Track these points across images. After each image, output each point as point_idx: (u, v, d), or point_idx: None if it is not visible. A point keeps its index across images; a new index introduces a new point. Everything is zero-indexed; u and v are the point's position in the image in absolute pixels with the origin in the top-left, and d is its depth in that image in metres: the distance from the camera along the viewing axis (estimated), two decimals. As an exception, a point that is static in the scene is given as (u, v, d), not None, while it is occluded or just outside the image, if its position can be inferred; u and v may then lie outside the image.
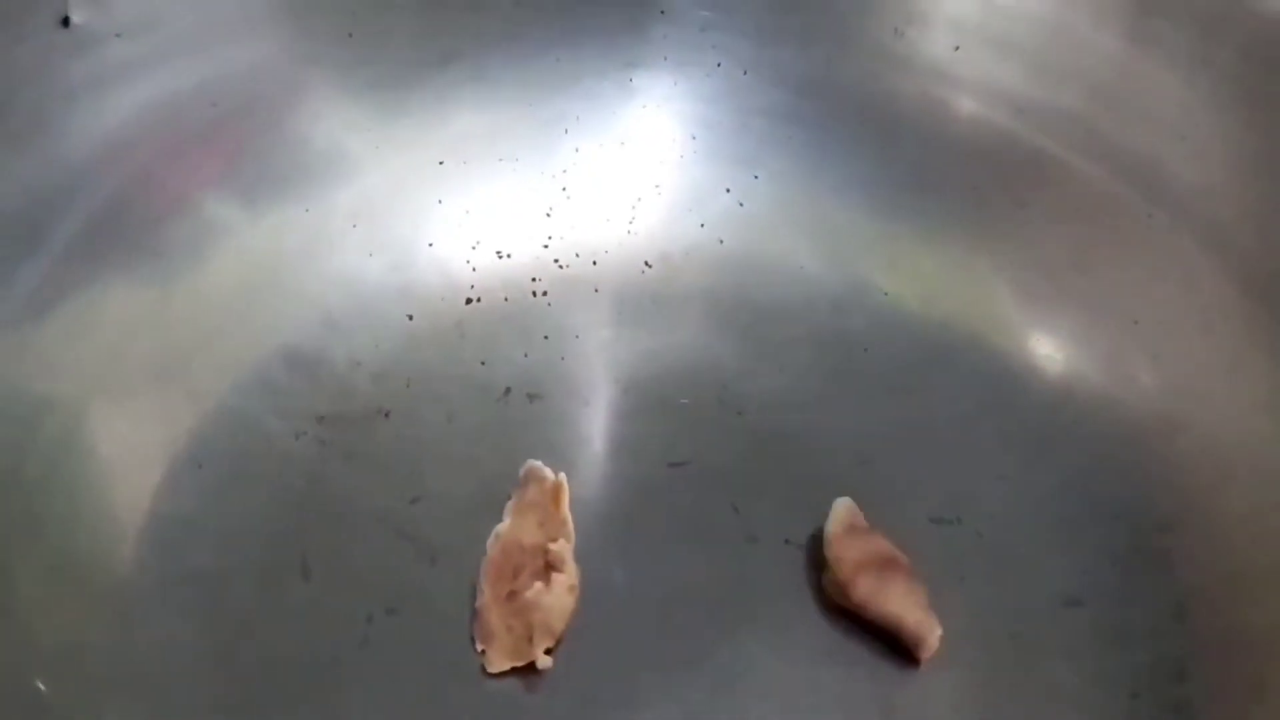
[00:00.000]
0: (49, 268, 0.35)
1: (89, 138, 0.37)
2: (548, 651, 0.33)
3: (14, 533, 0.33)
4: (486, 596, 0.34)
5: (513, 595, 0.34)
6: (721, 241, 0.44)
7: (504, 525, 0.36)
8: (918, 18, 0.42)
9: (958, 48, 0.42)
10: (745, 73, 0.44)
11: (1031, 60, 0.41)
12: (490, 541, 0.36)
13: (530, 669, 0.33)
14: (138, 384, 0.37)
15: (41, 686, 0.31)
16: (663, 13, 0.44)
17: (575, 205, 0.44)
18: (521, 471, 0.37)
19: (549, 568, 0.34)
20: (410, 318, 0.41)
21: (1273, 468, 0.36)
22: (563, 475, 0.37)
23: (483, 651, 0.34)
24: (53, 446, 0.34)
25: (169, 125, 0.38)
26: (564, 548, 0.35)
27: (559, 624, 0.34)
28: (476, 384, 0.40)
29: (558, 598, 0.34)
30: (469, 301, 0.42)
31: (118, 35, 0.37)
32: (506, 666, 0.34)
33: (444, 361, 0.40)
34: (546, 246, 0.43)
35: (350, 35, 0.41)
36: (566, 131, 0.44)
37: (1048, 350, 0.41)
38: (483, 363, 0.41)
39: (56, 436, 0.34)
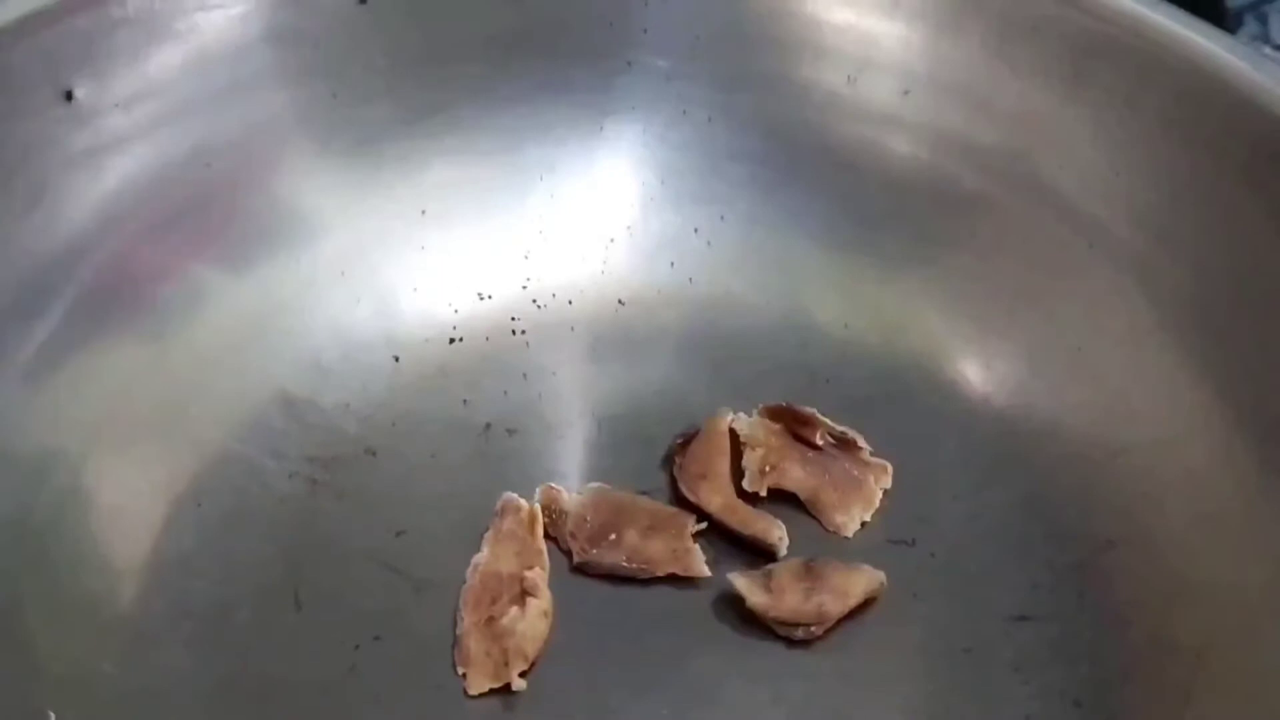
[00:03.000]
0: (53, 328, 0.38)
1: (88, 204, 0.39)
2: (523, 674, 0.35)
3: (24, 574, 0.35)
4: (467, 623, 0.37)
5: (491, 621, 0.36)
6: (691, 280, 0.46)
7: (482, 555, 0.38)
8: (870, 65, 0.45)
9: (907, 92, 0.44)
10: (710, 119, 0.46)
11: (976, 104, 0.43)
12: (470, 571, 0.38)
13: (507, 690, 0.36)
14: (139, 433, 0.39)
15: (53, 716, 0.33)
16: (629, 64, 0.46)
17: (551, 248, 0.46)
18: (498, 504, 0.39)
19: (525, 594, 0.37)
20: (396, 359, 0.43)
21: (1204, 488, 0.38)
22: (537, 505, 0.39)
23: (464, 675, 0.36)
24: (59, 494, 0.37)
25: (165, 188, 0.41)
26: (538, 575, 0.37)
27: (532, 648, 0.36)
28: (459, 422, 0.42)
29: (531, 623, 0.36)
30: (452, 342, 0.44)
31: (117, 106, 0.39)
32: (485, 689, 0.36)
33: (428, 401, 0.43)
34: (525, 288, 0.46)
35: (335, 95, 0.44)
36: (541, 178, 0.46)
37: (998, 379, 0.43)
38: (465, 401, 0.43)
39: (63, 485, 0.37)
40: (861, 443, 0.41)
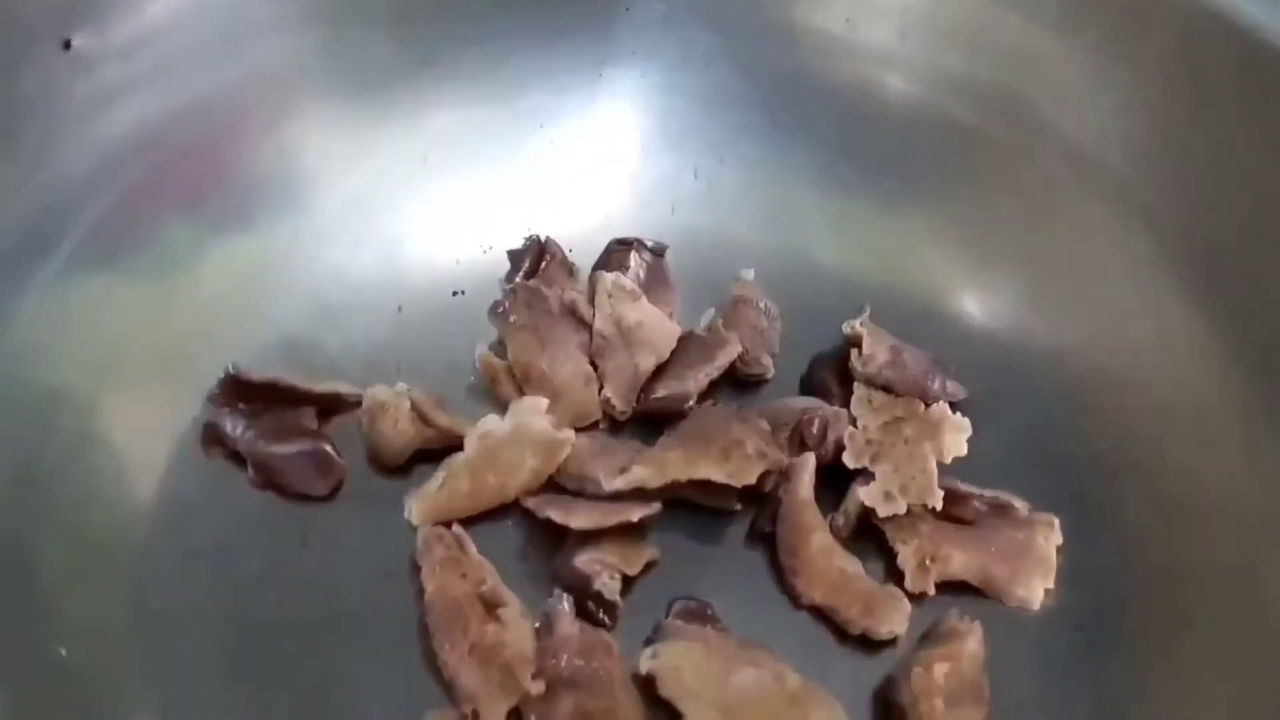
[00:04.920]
0: (59, 272, 0.38)
1: (92, 152, 0.39)
2: (535, 675, 0.34)
3: (35, 516, 0.36)
4: (452, 661, 0.35)
5: (475, 647, 0.35)
6: (690, 225, 0.46)
7: (429, 591, 0.36)
8: (866, 7, 0.45)
9: (904, 34, 0.44)
10: (708, 64, 0.46)
11: (972, 42, 0.44)
12: (425, 611, 0.36)
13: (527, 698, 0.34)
14: (144, 375, 0.39)
15: (64, 653, 0.34)
16: (628, 9, 0.46)
17: (552, 195, 0.46)
18: (419, 541, 0.37)
19: (492, 608, 0.35)
20: (400, 309, 0.43)
21: (1203, 417, 0.38)
22: (457, 527, 0.37)
23: (473, 713, 0.34)
24: (68, 437, 0.37)
25: (167, 137, 0.41)
26: (492, 584, 0.36)
27: (529, 648, 0.34)
28: (463, 368, 0.42)
29: (515, 627, 0.35)
30: (455, 294, 0.44)
31: (116, 55, 0.40)
32: (504, 713, 0.34)
33: (432, 347, 0.42)
34: (526, 237, 0.45)
35: (335, 43, 0.44)
36: (541, 126, 0.47)
37: (997, 313, 0.43)
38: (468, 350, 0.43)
39: (70, 427, 0.37)
40: (1017, 503, 0.38)
